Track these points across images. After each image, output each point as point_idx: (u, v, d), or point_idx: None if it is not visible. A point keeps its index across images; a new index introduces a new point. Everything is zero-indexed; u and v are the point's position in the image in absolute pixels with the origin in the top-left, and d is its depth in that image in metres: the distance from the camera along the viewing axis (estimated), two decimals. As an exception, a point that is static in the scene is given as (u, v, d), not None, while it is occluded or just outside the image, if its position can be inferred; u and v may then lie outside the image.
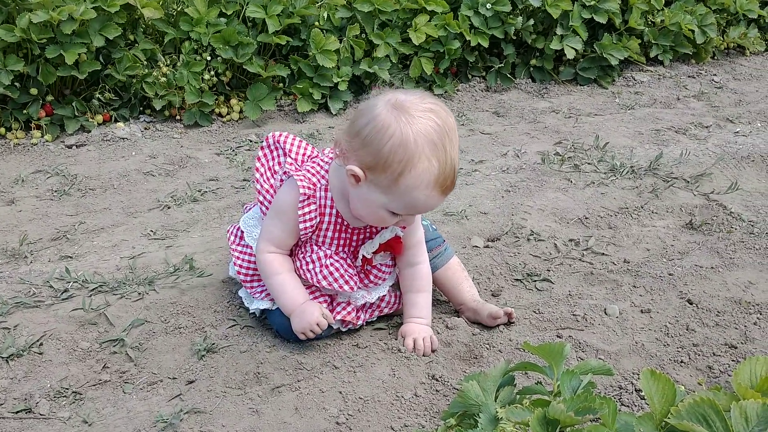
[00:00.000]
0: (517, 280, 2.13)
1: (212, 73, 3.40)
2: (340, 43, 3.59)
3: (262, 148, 1.91)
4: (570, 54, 4.01)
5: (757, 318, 1.92)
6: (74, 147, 3.12)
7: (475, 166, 3.01)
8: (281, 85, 3.60)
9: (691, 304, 1.99)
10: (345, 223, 1.78)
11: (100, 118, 3.28)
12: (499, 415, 1.22)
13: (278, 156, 1.89)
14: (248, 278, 1.89)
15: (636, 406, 1.60)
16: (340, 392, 1.64)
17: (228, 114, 3.48)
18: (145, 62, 3.32)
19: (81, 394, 1.66)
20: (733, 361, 1.75)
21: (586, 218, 2.51)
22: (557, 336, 1.87)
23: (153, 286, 2.05)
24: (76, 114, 3.21)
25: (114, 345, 1.82)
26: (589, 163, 2.98)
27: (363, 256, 1.82)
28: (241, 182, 2.83)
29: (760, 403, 0.99)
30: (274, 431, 1.53)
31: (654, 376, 1.18)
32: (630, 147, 3.18)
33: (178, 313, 1.95)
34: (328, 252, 1.79)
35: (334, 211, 1.76)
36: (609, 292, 2.07)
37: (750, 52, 4.79)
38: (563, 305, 2.00)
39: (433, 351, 1.79)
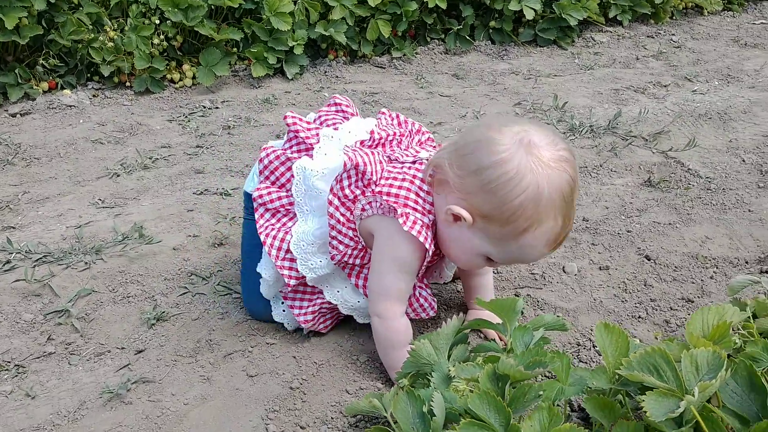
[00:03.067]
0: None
1: (162, 37, 3.28)
2: (295, 5, 3.49)
3: (338, 180, 1.52)
4: (529, 15, 3.97)
5: (713, 272, 1.92)
6: (18, 116, 3.00)
7: (434, 128, 2.96)
8: (235, 49, 3.50)
9: (648, 260, 1.99)
10: (436, 252, 1.55)
11: (45, 85, 3.16)
12: (452, 374, 1.19)
13: (351, 181, 1.53)
14: (295, 297, 1.63)
15: (594, 362, 1.59)
16: (294, 357, 1.60)
17: (181, 80, 3.38)
18: (91, 26, 3.20)
19: (24, 367, 1.59)
20: (689, 314, 1.75)
21: (544, 178, 2.48)
22: (515, 294, 1.85)
23: (100, 255, 1.98)
24: (20, 81, 3.09)
25: (59, 316, 1.75)
26: (548, 123, 2.95)
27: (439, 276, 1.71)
28: (193, 148, 2.75)
29: (710, 351, 0.98)
30: (225, 398, 1.49)
31: (608, 329, 1.16)
32: (589, 107, 3.16)
33: (126, 281, 1.88)
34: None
35: (432, 250, 1.50)
36: (568, 250, 2.06)
37: (708, 12, 4.80)
38: (522, 265, 1.98)
39: None
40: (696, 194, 2.35)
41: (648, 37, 4.31)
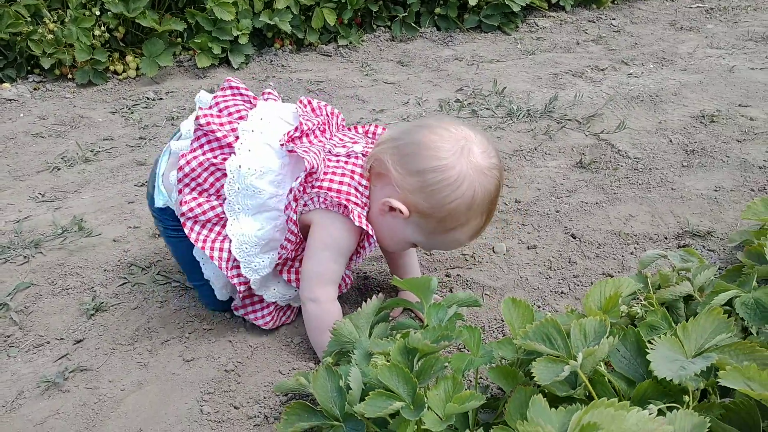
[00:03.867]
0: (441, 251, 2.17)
1: (103, 28, 3.28)
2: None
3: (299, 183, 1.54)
4: (473, 1, 4.04)
5: (634, 248, 2.02)
6: (-43, 110, 2.97)
7: (376, 115, 3.02)
8: (179, 39, 3.51)
9: (574, 238, 2.08)
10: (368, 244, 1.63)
11: (-16, 79, 3.13)
12: (370, 350, 1.26)
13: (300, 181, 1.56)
14: (246, 305, 1.67)
15: (506, 337, 1.67)
16: (230, 341, 1.65)
17: (124, 71, 3.38)
18: (29, 19, 3.17)
19: (-38, 361, 1.62)
20: (609, 289, 1.85)
21: (481, 162, 2.56)
22: (446, 275, 1.92)
23: (39, 249, 2.00)
24: (-42, 76, 3.06)
25: (-2, 310, 1.78)
26: (487, 108, 3.03)
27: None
28: (136, 140, 2.76)
29: (597, 319, 1.06)
30: (161, 383, 1.54)
31: (514, 303, 1.24)
32: (528, 91, 3.25)
33: (66, 274, 1.91)
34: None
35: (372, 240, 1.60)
36: (498, 231, 2.14)
37: (648, -4, 4.92)
38: (452, 246, 2.05)
39: None
40: (623, 174, 2.45)
41: (589, 21, 4.42)
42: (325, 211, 1.55)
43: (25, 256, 1.97)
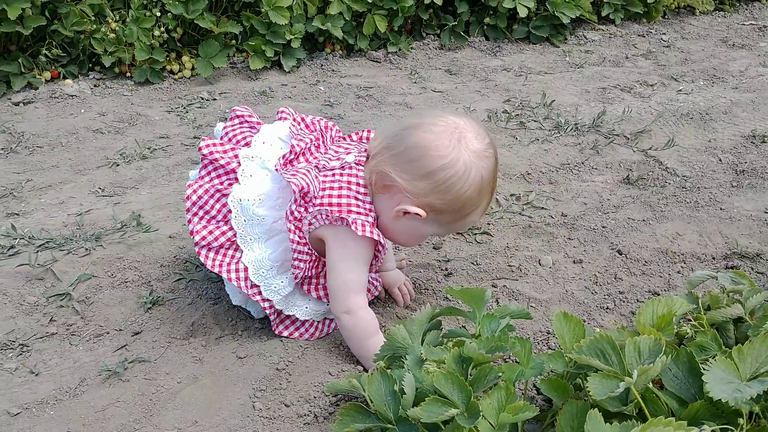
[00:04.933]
0: (458, 233, 2.21)
1: (163, 29, 3.37)
2: (293, -1, 3.58)
3: (290, 207, 1.62)
4: (523, 12, 4.05)
5: (681, 267, 2.02)
6: (21, 104, 3.09)
7: (425, 123, 3.05)
8: (234, 42, 3.59)
9: (620, 254, 2.09)
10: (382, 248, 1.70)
11: (47, 74, 3.24)
12: (423, 356, 1.29)
13: (297, 203, 1.62)
14: (288, 325, 1.72)
15: (557, 350, 1.70)
16: (281, 341, 1.71)
17: (180, 71, 3.47)
18: (93, 18, 3.28)
19: (28, 347, 1.70)
20: (655, 307, 1.86)
21: (528, 174, 2.58)
22: (492, 286, 1.95)
23: (100, 242, 2.08)
24: (23, 71, 3.18)
25: (61, 299, 1.85)
26: (535, 121, 3.05)
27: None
28: (191, 140, 2.84)
29: (652, 338, 1.08)
30: (215, 378, 1.60)
31: (566, 318, 1.26)
32: (576, 105, 3.25)
33: (124, 267, 1.98)
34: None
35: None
36: (545, 244, 2.16)
37: (699, 12, 4.88)
38: (500, 257, 2.08)
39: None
40: (671, 192, 2.45)
41: (639, 36, 4.40)
42: (331, 226, 1.60)
43: (86, 249, 2.05)
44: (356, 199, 1.60)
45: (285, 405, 1.52)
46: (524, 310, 1.37)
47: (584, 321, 1.80)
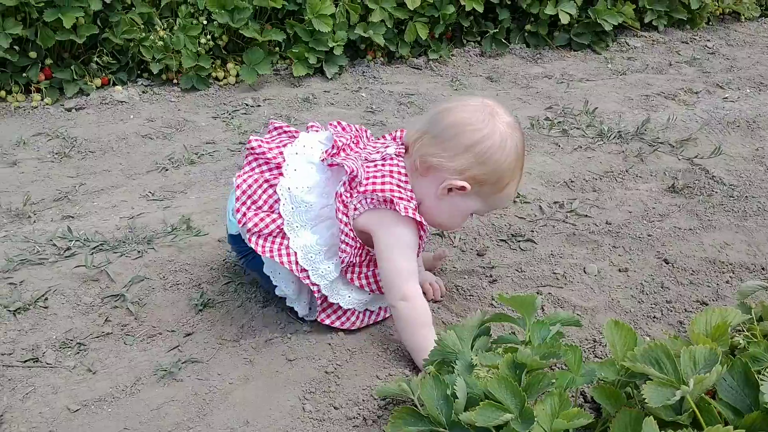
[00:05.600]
0: (501, 240, 2.22)
1: (209, 37, 3.44)
2: (336, 7, 3.62)
3: (336, 168, 1.68)
4: (564, 19, 4.04)
5: (730, 277, 2.00)
6: (74, 110, 3.18)
7: (467, 130, 3.06)
8: (277, 49, 3.65)
9: (667, 263, 2.08)
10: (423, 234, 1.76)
11: (98, 81, 3.33)
12: (474, 362, 1.31)
13: (346, 187, 1.68)
14: (329, 313, 1.76)
15: (608, 358, 1.70)
16: (329, 344, 1.73)
17: (225, 78, 3.54)
18: (143, 26, 3.37)
19: (85, 345, 1.75)
20: (703, 316, 1.84)
21: (571, 181, 2.58)
22: (537, 292, 1.96)
23: (152, 245, 2.14)
24: (75, 77, 3.27)
25: (115, 300, 1.91)
26: (577, 128, 3.04)
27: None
28: (236, 145, 2.90)
29: (708, 347, 1.08)
30: (266, 379, 1.63)
31: (617, 326, 1.27)
32: (619, 112, 3.24)
33: (176, 270, 2.03)
34: None
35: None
36: (589, 252, 2.15)
37: (745, 18, 4.81)
38: (545, 264, 2.09)
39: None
40: (718, 201, 2.42)
41: (683, 42, 4.35)
42: (375, 211, 1.67)
43: (138, 251, 2.10)
44: (398, 186, 1.67)
45: (334, 407, 1.55)
46: (574, 318, 1.38)
47: (631, 330, 1.80)
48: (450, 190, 1.65)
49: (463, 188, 1.63)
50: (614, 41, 4.29)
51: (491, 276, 2.03)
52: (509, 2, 4.09)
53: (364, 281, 1.75)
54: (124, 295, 1.92)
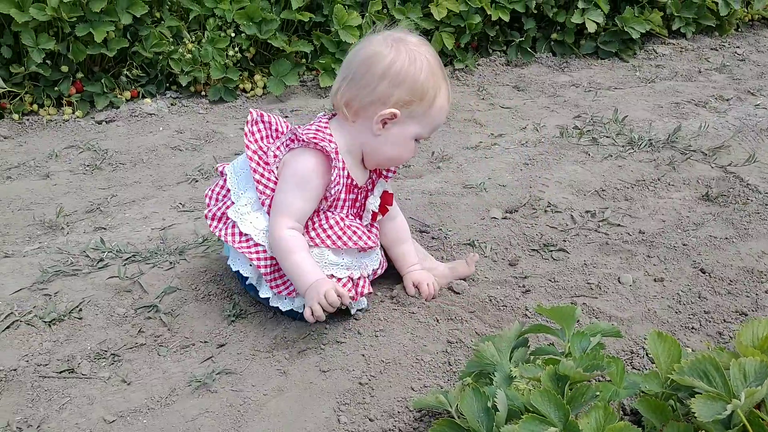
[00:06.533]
0: (533, 250, 2.20)
1: (236, 49, 3.47)
2: (363, 18, 3.63)
3: (246, 123, 1.86)
4: (591, 28, 4.02)
5: (769, 286, 1.97)
6: (104, 123, 3.22)
7: (495, 139, 3.05)
8: (304, 60, 3.66)
9: (704, 273, 2.04)
10: (354, 183, 1.84)
11: (128, 94, 3.37)
12: (513, 374, 1.29)
13: (261, 132, 1.86)
14: (270, 274, 1.80)
15: (646, 369, 1.67)
16: (363, 355, 1.72)
17: (252, 89, 3.56)
18: (171, 39, 3.40)
19: (119, 356, 1.76)
20: (743, 327, 1.81)
21: (603, 190, 2.55)
22: (572, 303, 1.93)
23: (183, 256, 2.14)
24: (105, 90, 3.31)
25: (148, 311, 1.91)
26: (607, 137, 3.01)
27: (372, 212, 1.90)
28: (265, 156, 2.90)
29: (758, 360, 1.05)
30: (300, 390, 1.62)
31: (660, 338, 1.24)
32: (649, 120, 3.20)
33: (208, 281, 2.03)
34: (342, 215, 1.84)
35: (345, 173, 1.80)
36: (623, 261, 2.13)
37: (774, 24, 4.75)
38: (578, 274, 2.06)
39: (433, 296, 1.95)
40: (754, 209, 2.38)
41: (711, 49, 4.31)
42: (291, 151, 1.78)
43: (170, 262, 2.11)
44: (317, 130, 1.77)
45: (369, 419, 1.53)
46: (614, 328, 1.36)
47: (669, 341, 1.76)
48: (384, 123, 1.73)
49: (393, 115, 1.71)
50: (641, 49, 4.26)
51: (524, 286, 2.01)
52: (535, 11, 4.07)
53: (313, 234, 1.80)
54: (157, 306, 1.92)
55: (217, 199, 1.90)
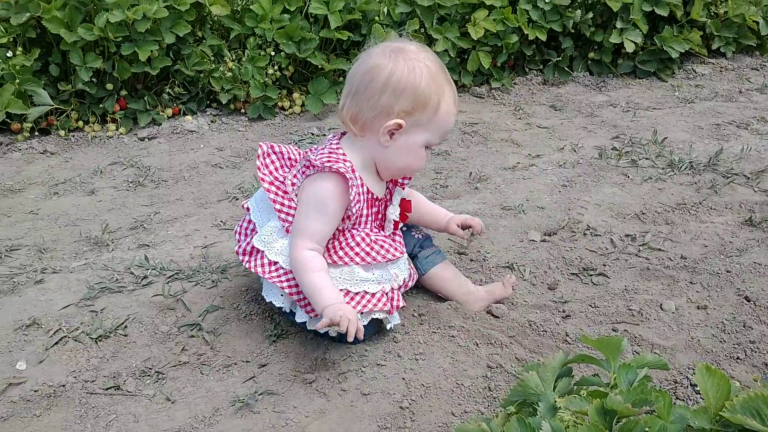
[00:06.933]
0: (573, 274, 2.19)
1: (276, 67, 3.52)
2: (400, 37, 3.65)
3: (258, 157, 1.89)
4: (630, 47, 4.00)
5: (816, 317, 1.93)
6: (146, 139, 3.28)
7: (532, 160, 3.05)
8: (342, 79, 3.70)
9: (748, 301, 2.01)
10: (373, 196, 1.85)
11: (169, 111, 3.44)
12: (557, 404, 1.28)
13: (274, 163, 1.91)
14: (302, 299, 1.81)
15: (691, 400, 1.65)
16: (403, 378, 1.73)
17: (290, 107, 3.60)
18: (213, 57, 3.46)
19: (163, 374, 1.79)
20: (790, 358, 1.78)
21: (643, 214, 2.53)
22: (613, 330, 1.92)
23: (225, 275, 2.18)
24: (148, 108, 3.38)
25: (191, 329, 1.94)
26: (646, 158, 2.99)
27: (393, 221, 1.92)
28: (304, 175, 2.94)
29: (812, 399, 1.04)
30: (341, 413, 1.63)
31: (709, 372, 1.23)
32: (689, 142, 3.17)
33: (249, 300, 2.06)
34: (366, 230, 1.85)
35: (364, 189, 1.81)
36: (665, 287, 2.11)
37: (817, 43, 4.67)
38: (619, 300, 2.05)
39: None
40: (800, 236, 2.34)
41: (752, 69, 4.26)
42: (308, 177, 1.78)
43: (213, 281, 2.14)
44: (330, 153, 1.78)
45: (410, 444, 1.54)
46: (661, 361, 1.34)
47: (714, 371, 1.74)
48: (392, 134, 1.73)
49: (399, 126, 1.71)
50: (680, 68, 4.22)
51: (564, 311, 2.00)
52: (572, 30, 4.06)
53: (341, 253, 1.81)
54: (200, 324, 1.95)
55: (246, 234, 1.94)
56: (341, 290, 1.79)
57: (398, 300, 1.87)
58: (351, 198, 1.75)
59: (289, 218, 1.81)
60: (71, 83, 3.25)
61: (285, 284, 1.79)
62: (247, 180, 2.88)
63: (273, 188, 1.84)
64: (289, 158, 1.91)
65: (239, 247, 1.92)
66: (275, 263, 1.81)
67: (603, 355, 1.36)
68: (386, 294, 1.84)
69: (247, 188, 2.80)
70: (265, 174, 1.87)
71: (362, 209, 1.82)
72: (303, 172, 1.81)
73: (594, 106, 3.73)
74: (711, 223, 2.47)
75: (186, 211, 2.65)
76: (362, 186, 1.80)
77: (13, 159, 3.09)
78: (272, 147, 1.90)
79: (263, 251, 1.83)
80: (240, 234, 1.96)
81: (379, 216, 1.91)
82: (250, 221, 1.94)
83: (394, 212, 1.91)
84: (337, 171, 1.73)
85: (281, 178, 1.85)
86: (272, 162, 1.88)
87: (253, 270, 1.85)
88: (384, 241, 1.86)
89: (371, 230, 1.87)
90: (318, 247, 1.78)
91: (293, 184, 1.83)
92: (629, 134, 3.29)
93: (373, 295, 1.82)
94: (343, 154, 1.78)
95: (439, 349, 1.83)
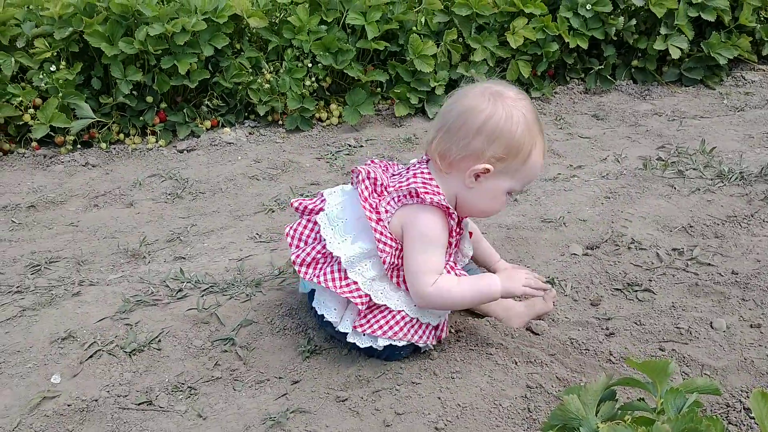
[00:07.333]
0: (617, 289, 2.11)
1: (313, 79, 3.51)
2: (438, 47, 3.62)
3: (362, 181, 1.80)
4: (675, 54, 3.89)
5: None
6: (185, 151, 3.30)
7: (574, 171, 2.97)
8: (379, 90, 3.67)
9: (805, 320, 1.91)
10: (461, 231, 1.84)
11: (208, 123, 3.45)
12: (599, 430, 1.22)
13: (369, 189, 1.81)
14: (363, 317, 1.78)
15: (744, 425, 1.56)
16: (439, 398, 1.68)
17: (328, 118, 3.59)
18: (250, 69, 3.47)
19: (196, 390, 1.77)
20: None
21: (690, 227, 2.44)
22: (659, 349, 1.84)
23: (260, 288, 2.15)
24: (187, 120, 3.40)
25: (225, 344, 1.92)
26: (694, 169, 2.88)
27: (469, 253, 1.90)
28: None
29: None
30: (375, 433, 1.59)
31: (765, 398, 1.15)
32: (739, 151, 3.05)
33: (283, 314, 2.03)
34: (451, 263, 1.81)
35: (455, 222, 1.79)
36: (715, 304, 2.01)
37: None
38: (666, 317, 1.96)
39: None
40: None
41: (805, 75, 4.10)
42: (404, 208, 1.74)
43: (247, 294, 2.12)
44: (424, 183, 1.74)
45: (446, 467, 1.49)
46: (713, 386, 1.27)
47: (768, 394, 1.65)
48: (477, 176, 1.71)
49: (487, 170, 1.70)
50: (729, 75, 4.09)
51: (607, 329, 1.93)
52: (615, 38, 3.97)
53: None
54: (233, 339, 1.93)
55: (306, 242, 1.87)
56: (399, 311, 1.78)
57: (443, 329, 1.85)
58: (447, 243, 1.76)
59: (387, 248, 1.73)
60: (112, 96, 3.28)
61: (358, 300, 1.74)
62: (284, 192, 2.86)
63: (374, 216, 1.75)
64: (382, 185, 1.80)
65: (296, 256, 1.83)
66: (355, 282, 1.75)
67: (649, 378, 1.29)
68: (439, 326, 1.84)
69: (284, 200, 2.78)
70: (364, 198, 1.77)
71: (451, 240, 1.80)
72: (398, 200, 1.76)
73: (638, 115, 3.63)
74: (764, 236, 2.36)
75: (222, 223, 2.64)
76: (454, 219, 1.78)
77: (56, 171, 3.13)
78: (368, 174, 1.80)
79: (331, 264, 1.79)
80: (293, 238, 1.88)
81: (454, 249, 1.86)
82: (306, 226, 1.87)
83: (469, 247, 1.90)
84: (440, 205, 1.72)
85: (374, 204, 1.77)
86: (366, 188, 1.79)
87: (316, 281, 1.78)
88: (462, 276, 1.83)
89: (446, 262, 1.81)
90: (439, 277, 1.75)
91: (386, 211, 1.76)
92: (675, 144, 3.18)
93: (428, 325, 1.81)
94: (437, 186, 1.75)
95: (477, 368, 1.77)
